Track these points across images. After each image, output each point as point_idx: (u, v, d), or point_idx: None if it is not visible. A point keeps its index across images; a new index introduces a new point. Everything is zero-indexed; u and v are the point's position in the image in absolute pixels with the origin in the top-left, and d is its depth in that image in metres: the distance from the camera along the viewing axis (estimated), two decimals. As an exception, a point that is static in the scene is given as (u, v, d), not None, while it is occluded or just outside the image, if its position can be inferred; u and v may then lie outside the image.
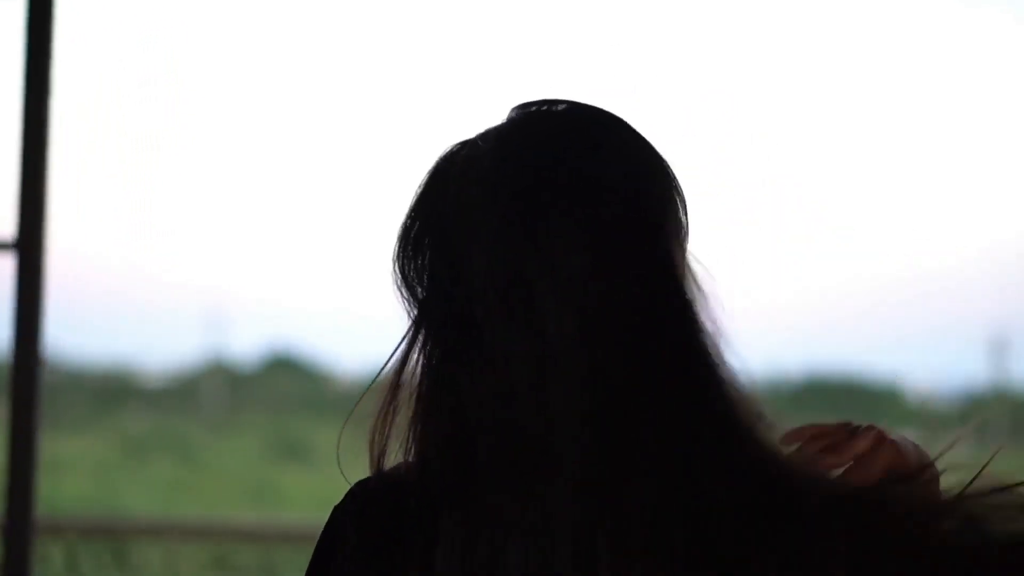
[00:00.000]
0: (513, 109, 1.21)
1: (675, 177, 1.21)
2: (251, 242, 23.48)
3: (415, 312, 1.18)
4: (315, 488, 12.83)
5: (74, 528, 3.22)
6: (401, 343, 1.18)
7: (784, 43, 19.85)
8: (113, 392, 20.12)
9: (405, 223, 1.19)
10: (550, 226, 1.14)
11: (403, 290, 1.19)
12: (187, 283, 23.32)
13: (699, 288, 1.17)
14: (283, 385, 19.74)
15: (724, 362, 1.15)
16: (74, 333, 26.10)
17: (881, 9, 19.78)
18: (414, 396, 1.17)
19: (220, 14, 22.61)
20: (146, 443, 17.17)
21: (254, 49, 22.53)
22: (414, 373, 1.17)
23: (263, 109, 22.49)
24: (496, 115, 1.23)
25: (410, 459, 1.16)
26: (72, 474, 15.31)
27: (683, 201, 1.21)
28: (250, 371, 20.82)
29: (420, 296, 1.18)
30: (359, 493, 1.19)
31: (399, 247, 1.19)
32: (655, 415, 1.11)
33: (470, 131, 1.22)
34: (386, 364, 1.18)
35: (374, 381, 1.18)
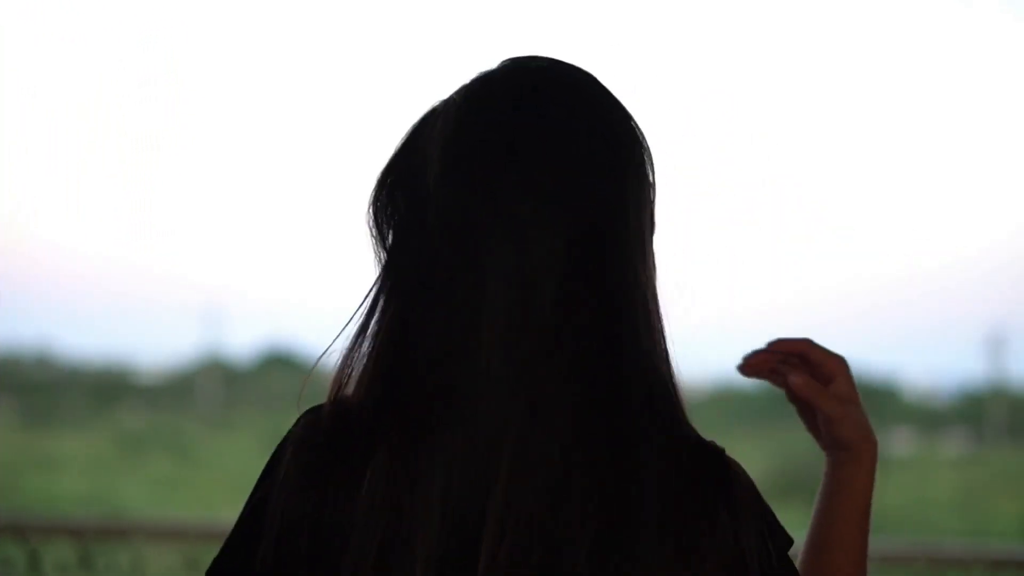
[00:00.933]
0: (501, 61, 1.25)
1: (644, 143, 1.22)
2: (248, 240, 23.47)
3: (384, 257, 1.22)
4: (311, 485, 12.76)
5: (38, 529, 3.20)
6: (371, 288, 1.23)
7: (784, 43, 19.84)
8: (110, 389, 20.12)
9: (383, 170, 1.23)
10: (504, 173, 1.17)
11: (375, 237, 1.23)
12: (184, 281, 23.32)
13: (651, 259, 1.20)
14: (279, 382, 19.73)
15: (653, 327, 1.18)
16: (71, 330, 26.09)
17: (880, 9, 19.77)
18: (373, 334, 1.21)
19: (219, 14, 22.60)
20: (142, 440, 17.16)
21: (252, 49, 22.52)
22: (378, 314, 1.22)
23: (261, 109, 22.48)
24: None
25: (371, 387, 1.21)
26: (68, 470, 15.30)
27: (652, 167, 1.22)
28: (246, 368, 20.82)
29: (388, 240, 1.22)
30: (306, 417, 1.24)
31: (374, 196, 1.23)
32: (575, 367, 1.15)
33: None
34: (358, 309, 1.23)
35: (345, 325, 1.23)
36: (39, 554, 3.26)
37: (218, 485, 14.78)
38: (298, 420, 1.24)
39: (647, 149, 1.22)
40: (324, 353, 1.23)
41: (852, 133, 20.17)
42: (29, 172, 22.42)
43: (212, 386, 19.97)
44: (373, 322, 1.21)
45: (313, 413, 1.24)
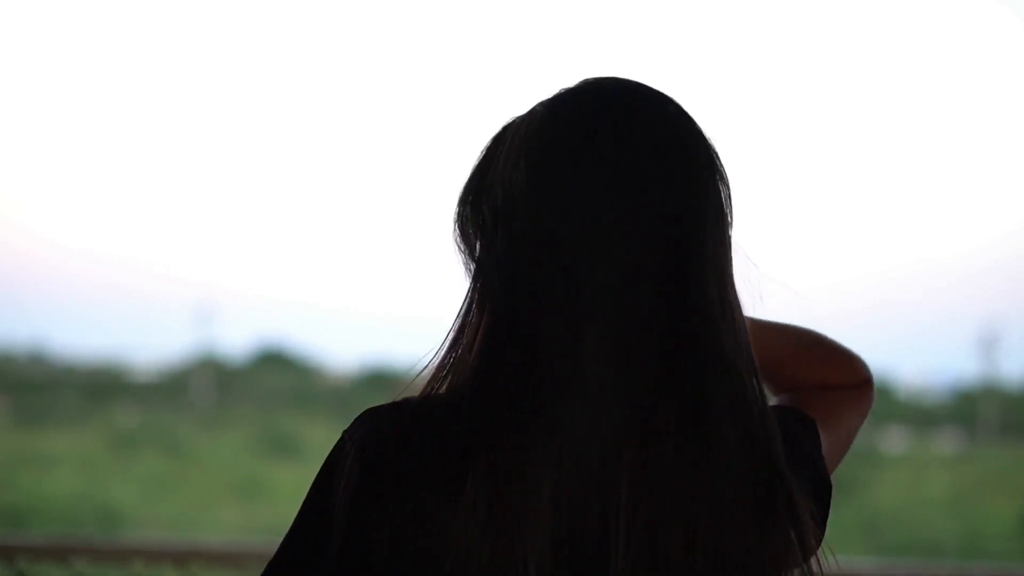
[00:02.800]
0: (566, 84, 1.28)
1: (720, 161, 1.26)
2: (241, 238, 23.44)
3: (473, 267, 1.25)
4: (302, 483, 12.73)
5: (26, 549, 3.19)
6: (464, 298, 1.25)
7: (783, 41, 19.83)
8: (103, 387, 20.09)
9: (466, 184, 1.27)
10: (593, 183, 1.21)
11: (463, 247, 1.26)
12: (177, 279, 23.29)
13: (730, 267, 1.24)
14: (272, 380, 19.72)
15: (738, 334, 1.22)
16: (65, 328, 26.05)
17: (880, 6, 19.77)
18: (468, 342, 1.23)
19: (217, 13, 22.57)
20: (135, 438, 17.14)
21: (246, 46, 22.50)
22: (470, 324, 1.24)
23: (255, 107, 22.45)
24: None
25: (440, 392, 1.22)
26: (61, 469, 15.27)
27: (727, 188, 1.26)
28: (239, 366, 20.79)
29: (477, 252, 1.25)
30: (369, 420, 1.23)
31: (459, 210, 1.26)
32: (673, 373, 1.19)
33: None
34: (456, 321, 1.24)
35: (443, 341, 1.24)
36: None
37: (211, 483, 14.76)
38: (358, 422, 1.23)
39: (722, 168, 1.26)
40: (421, 367, 1.24)
41: (846, 133, 20.17)
42: (23, 170, 22.40)
43: (205, 384, 19.95)
44: (467, 330, 1.23)
45: (374, 416, 1.23)
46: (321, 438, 14.40)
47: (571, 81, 1.29)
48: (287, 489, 13.46)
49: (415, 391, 1.24)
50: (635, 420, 1.17)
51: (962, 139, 20.71)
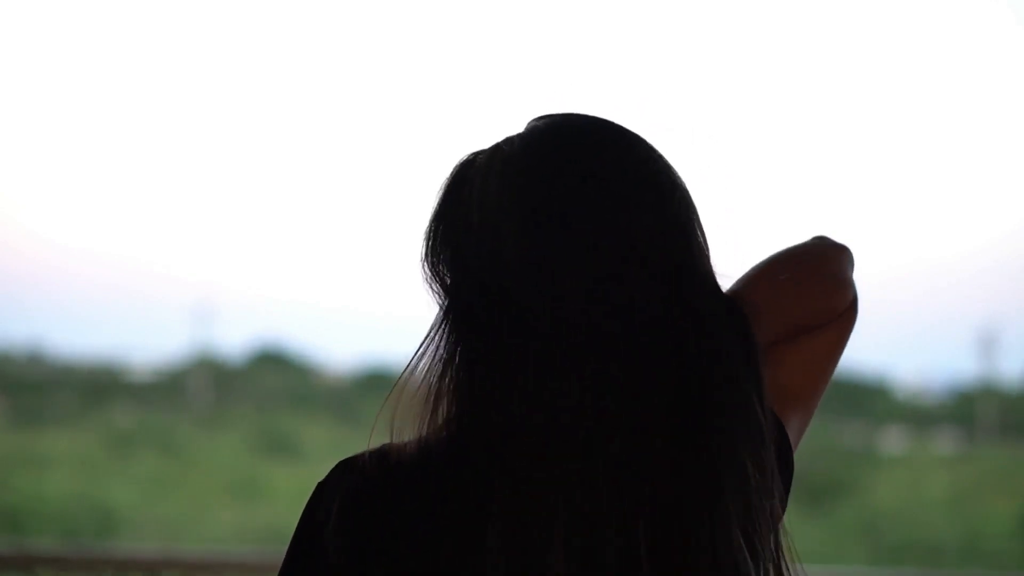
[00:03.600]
0: (531, 120, 1.30)
1: (693, 203, 1.28)
2: (239, 238, 23.44)
3: (446, 302, 1.25)
4: (301, 483, 12.76)
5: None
6: (433, 332, 1.25)
7: (781, 39, 19.84)
8: (100, 387, 20.07)
9: (431, 222, 1.27)
10: (579, 209, 1.22)
11: (433, 284, 1.26)
12: (175, 279, 23.28)
13: (714, 277, 1.25)
14: (270, 380, 19.71)
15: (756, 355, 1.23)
16: (62, 328, 26.05)
17: (879, 6, 19.77)
18: (441, 380, 1.23)
19: (217, 13, 22.58)
20: (132, 438, 17.12)
21: (248, 48, 22.50)
22: (440, 359, 1.24)
23: (253, 107, 22.46)
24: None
25: (419, 437, 1.21)
26: (57, 469, 15.24)
27: (699, 223, 1.28)
28: (238, 366, 20.77)
29: (448, 288, 1.25)
30: (347, 470, 1.22)
31: (427, 245, 1.27)
32: (669, 393, 1.19)
33: (480, 141, 1.32)
34: (417, 352, 1.24)
35: (404, 372, 1.24)
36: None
37: (209, 483, 14.75)
38: (336, 471, 1.23)
39: (682, 186, 1.28)
40: (387, 398, 1.23)
41: (845, 133, 20.18)
42: (21, 170, 22.40)
43: (203, 384, 19.94)
44: (441, 364, 1.23)
45: (355, 466, 1.22)
46: (320, 438, 14.42)
47: (534, 116, 1.31)
48: (285, 489, 13.45)
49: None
50: (640, 452, 1.17)
51: (962, 139, 20.71)
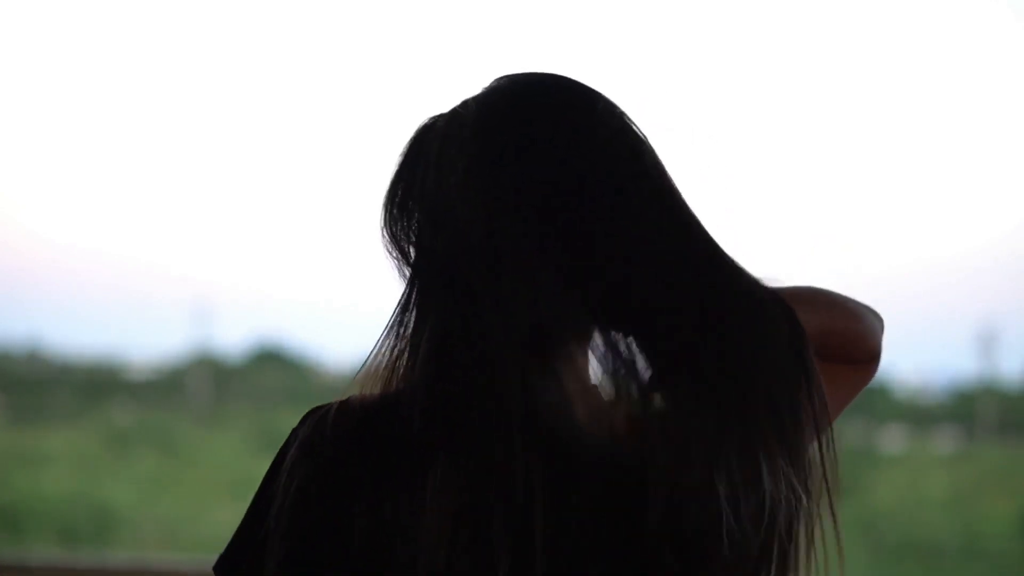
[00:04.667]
0: (492, 80, 1.29)
1: (653, 150, 1.27)
2: (239, 235, 23.44)
3: (408, 271, 1.25)
4: (300, 482, 12.68)
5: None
6: (400, 301, 1.25)
7: (781, 39, 19.84)
8: (99, 385, 20.06)
9: (390, 188, 1.26)
10: (525, 170, 1.20)
11: (394, 251, 1.26)
12: (174, 276, 23.28)
13: (688, 212, 1.25)
14: (270, 378, 19.70)
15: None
16: (62, 326, 26.06)
17: (879, 6, 19.76)
18: (413, 342, 1.23)
19: (217, 13, 22.58)
20: (131, 436, 17.12)
21: (248, 48, 22.50)
22: (409, 326, 1.24)
23: (252, 105, 22.45)
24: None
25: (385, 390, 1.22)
26: (55, 468, 15.23)
27: (647, 146, 1.28)
28: (237, 364, 20.76)
29: (410, 255, 1.25)
30: (314, 418, 1.23)
31: (386, 211, 1.26)
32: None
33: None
34: (388, 325, 1.24)
35: (375, 347, 1.24)
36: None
37: (207, 482, 14.74)
38: (305, 420, 1.24)
39: (636, 130, 1.26)
40: (359, 369, 1.23)
41: (844, 132, 20.17)
42: (17, 167, 22.39)
43: (202, 382, 19.93)
44: (404, 332, 1.23)
45: (319, 413, 1.23)
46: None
47: (495, 77, 1.29)
48: (284, 488, 13.42)
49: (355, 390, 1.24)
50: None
51: (962, 139, 20.71)
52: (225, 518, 13.16)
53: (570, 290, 1.18)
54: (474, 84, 1.31)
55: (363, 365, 1.23)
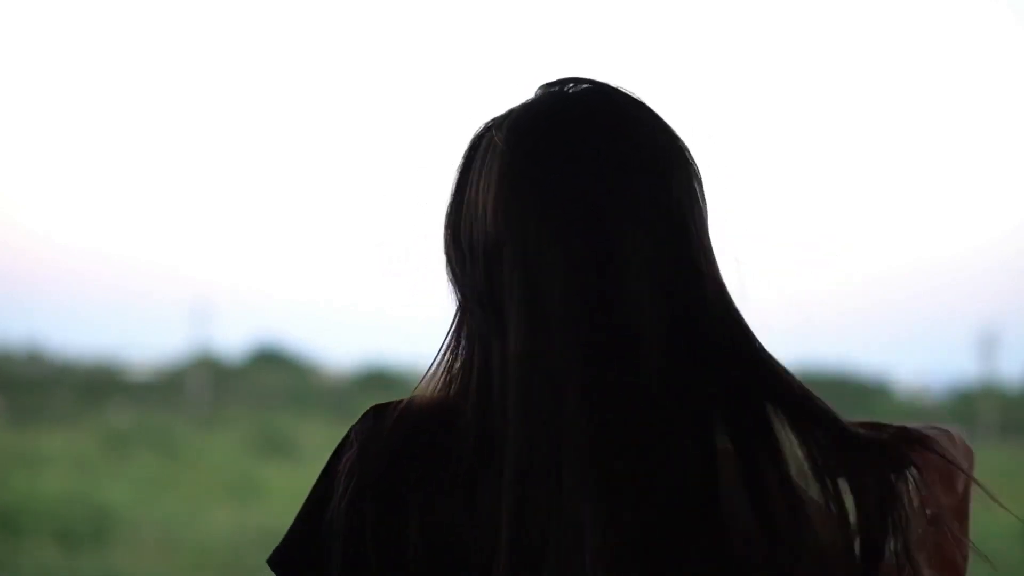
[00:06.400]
0: (538, 88, 1.27)
1: (694, 163, 1.25)
2: (238, 236, 23.42)
3: (459, 295, 1.25)
4: (299, 483, 12.67)
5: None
6: (451, 325, 1.25)
7: (781, 39, 19.83)
8: (98, 386, 20.05)
9: (448, 206, 1.26)
10: (556, 199, 1.18)
11: (448, 275, 1.26)
12: (173, 277, 23.27)
13: (717, 270, 1.23)
14: (268, 379, 19.69)
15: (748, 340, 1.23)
16: (61, 327, 26.05)
17: (879, 6, 19.75)
18: (465, 358, 1.24)
19: (217, 13, 22.57)
20: (130, 437, 17.10)
21: (248, 48, 22.48)
22: (460, 347, 1.24)
23: (252, 105, 22.44)
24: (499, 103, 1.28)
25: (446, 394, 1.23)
26: (54, 468, 15.21)
27: (700, 185, 1.25)
28: (236, 365, 20.75)
29: (460, 281, 1.25)
30: (375, 415, 1.23)
31: (445, 235, 1.25)
32: (640, 406, 1.18)
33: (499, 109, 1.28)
34: (442, 345, 1.24)
35: (431, 367, 1.24)
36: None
37: (206, 483, 14.71)
38: (364, 418, 1.24)
39: (693, 163, 1.25)
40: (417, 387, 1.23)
41: (844, 132, 20.16)
42: (17, 167, 22.38)
43: (201, 383, 19.92)
44: (455, 357, 1.23)
45: (379, 413, 1.23)
46: (318, 438, 14.37)
47: (540, 85, 1.27)
48: (283, 489, 13.42)
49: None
50: (640, 422, 1.16)
51: (962, 139, 20.69)
52: (224, 518, 13.14)
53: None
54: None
55: (428, 369, 1.24)
